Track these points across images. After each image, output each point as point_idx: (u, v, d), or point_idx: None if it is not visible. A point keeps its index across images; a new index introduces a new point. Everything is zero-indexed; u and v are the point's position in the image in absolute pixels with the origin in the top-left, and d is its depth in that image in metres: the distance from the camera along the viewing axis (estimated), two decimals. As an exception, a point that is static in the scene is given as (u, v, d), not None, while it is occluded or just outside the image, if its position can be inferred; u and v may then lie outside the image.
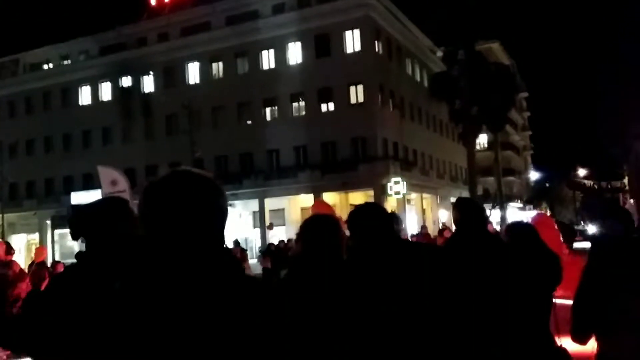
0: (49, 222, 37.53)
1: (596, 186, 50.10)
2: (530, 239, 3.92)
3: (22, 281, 8.86)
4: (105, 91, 42.09)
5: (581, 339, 3.04)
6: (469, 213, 3.69)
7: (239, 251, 16.06)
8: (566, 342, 3.65)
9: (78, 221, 2.45)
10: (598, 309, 2.89)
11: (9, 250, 9.48)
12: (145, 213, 1.38)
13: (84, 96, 42.90)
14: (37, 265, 10.04)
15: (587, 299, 2.95)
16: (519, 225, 4.20)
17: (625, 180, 44.15)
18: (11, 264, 9.00)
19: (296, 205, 33.39)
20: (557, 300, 3.99)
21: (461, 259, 3.39)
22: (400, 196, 30.41)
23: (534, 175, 69.33)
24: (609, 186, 47.82)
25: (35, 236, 40.51)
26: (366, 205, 2.87)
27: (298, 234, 2.97)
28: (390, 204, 32.71)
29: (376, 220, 2.74)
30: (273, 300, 1.42)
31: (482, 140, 49.45)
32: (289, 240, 18.04)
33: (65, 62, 45.62)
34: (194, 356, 1.26)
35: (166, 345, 1.26)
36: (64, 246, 38.23)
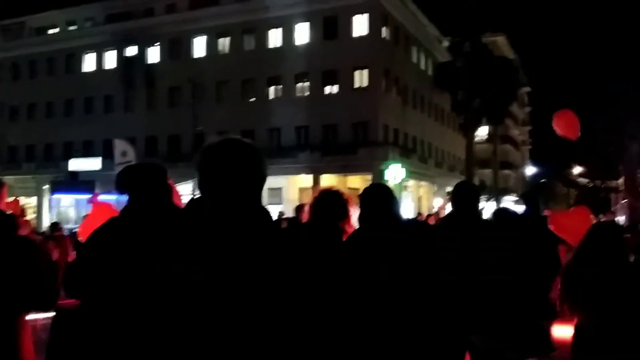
0: (46, 186, 37.64)
1: (590, 184, 50.56)
2: (517, 223, 4.25)
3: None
4: (110, 59, 41.97)
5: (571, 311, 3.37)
6: (463, 196, 3.82)
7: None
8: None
9: (125, 178, 2.74)
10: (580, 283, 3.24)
11: (23, 212, 9.78)
12: (202, 170, 1.66)
13: (88, 63, 42.79)
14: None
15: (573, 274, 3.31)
16: (506, 211, 4.55)
17: (620, 181, 44.61)
18: (26, 224, 9.32)
19: (294, 185, 33.66)
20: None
21: (452, 239, 3.52)
22: (398, 182, 30.70)
23: (530, 170, 69.69)
24: (603, 185, 48.30)
25: (33, 200, 40.66)
26: (374, 185, 3.14)
27: (310, 204, 3.28)
28: (387, 190, 33.03)
29: (380, 200, 2.96)
30: (303, 250, 1.69)
31: (482, 132, 49.63)
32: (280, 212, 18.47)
33: (71, 28, 45.42)
34: (228, 293, 1.48)
35: (204, 283, 1.48)
36: (59, 211, 38.48)
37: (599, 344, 3.15)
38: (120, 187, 2.75)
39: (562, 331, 4.02)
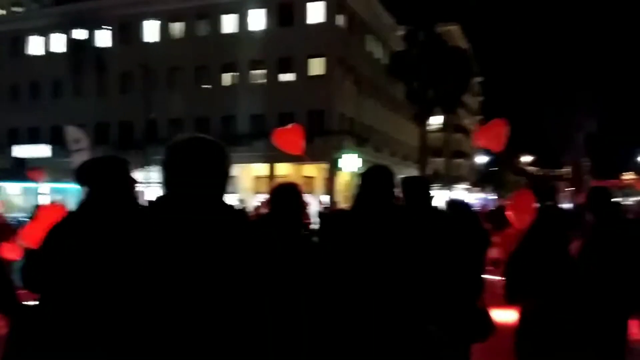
0: (-10, 173, 36.25)
1: (538, 173, 52.30)
2: (466, 212, 4.44)
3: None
4: (58, 43, 40.53)
5: (512, 300, 3.53)
6: (411, 190, 3.90)
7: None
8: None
9: (87, 171, 2.70)
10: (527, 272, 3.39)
11: None
12: (168, 168, 1.70)
13: (35, 46, 41.21)
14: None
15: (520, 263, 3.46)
16: (458, 201, 4.75)
17: (565, 169, 46.27)
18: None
19: (249, 174, 33.51)
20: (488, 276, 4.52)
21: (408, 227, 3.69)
22: (353, 171, 30.98)
23: (481, 159, 71.31)
24: (551, 174, 50.01)
25: (-24, 188, 39.07)
26: (376, 167, 3.12)
27: (267, 199, 3.32)
28: (343, 179, 33.30)
29: (381, 182, 2.98)
30: (266, 242, 1.74)
31: (435, 121, 50.51)
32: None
33: (17, 10, 43.62)
34: (193, 283, 1.53)
35: (171, 276, 1.53)
36: (5, 199, 37.06)
37: (543, 331, 3.28)
38: (81, 180, 2.71)
39: (502, 315, 4.17)
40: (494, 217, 11.53)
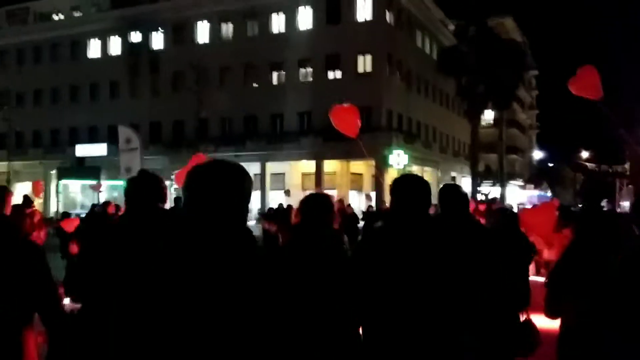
0: (53, 172, 37.99)
1: (598, 169, 50.21)
2: (512, 223, 4.33)
3: (40, 230, 9.18)
4: (114, 45, 42.06)
5: (553, 313, 3.33)
6: (447, 199, 3.76)
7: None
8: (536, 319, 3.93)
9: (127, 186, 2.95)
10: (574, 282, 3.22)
11: (29, 202, 9.87)
12: (189, 192, 1.76)
13: (93, 49, 42.90)
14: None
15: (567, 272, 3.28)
16: (505, 212, 4.63)
17: (627, 165, 44.29)
18: (32, 213, 9.38)
19: (297, 171, 33.76)
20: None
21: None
22: (401, 168, 30.71)
23: (537, 155, 69.22)
24: (610, 170, 47.91)
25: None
26: (408, 177, 3.04)
27: (298, 208, 3.37)
28: (391, 176, 33.08)
29: (414, 195, 2.87)
30: (274, 272, 1.78)
31: (488, 116, 49.36)
32: (288, 206, 18.41)
33: (76, 14, 45.48)
34: (209, 305, 1.62)
35: (189, 294, 1.62)
36: (67, 197, 38.88)
37: (585, 342, 3.14)
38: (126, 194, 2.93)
39: (543, 323, 3.97)
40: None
